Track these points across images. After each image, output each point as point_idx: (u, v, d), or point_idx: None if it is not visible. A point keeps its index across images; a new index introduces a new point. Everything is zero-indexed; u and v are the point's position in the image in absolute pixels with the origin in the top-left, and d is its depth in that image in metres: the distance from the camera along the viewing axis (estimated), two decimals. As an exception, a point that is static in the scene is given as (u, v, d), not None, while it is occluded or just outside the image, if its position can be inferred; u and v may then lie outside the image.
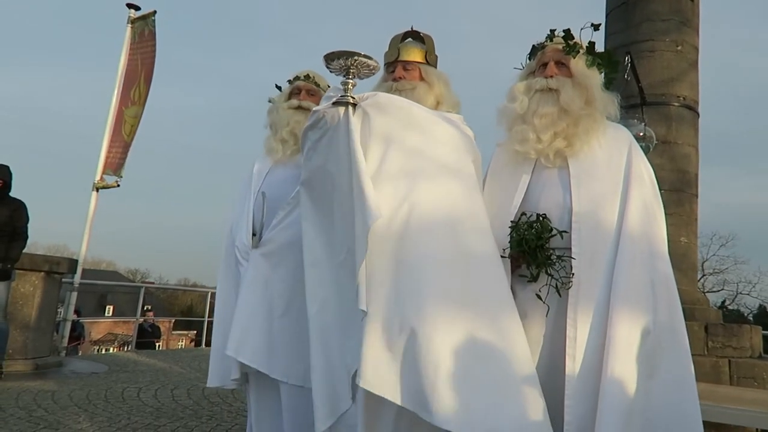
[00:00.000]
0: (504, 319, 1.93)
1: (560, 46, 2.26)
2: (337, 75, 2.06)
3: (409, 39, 2.51)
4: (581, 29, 2.28)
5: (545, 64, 2.25)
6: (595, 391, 1.92)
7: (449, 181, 2.06)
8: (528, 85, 2.24)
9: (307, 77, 2.94)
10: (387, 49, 2.50)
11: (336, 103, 2.03)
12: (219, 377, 2.84)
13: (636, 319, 1.95)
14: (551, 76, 2.21)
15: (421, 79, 2.43)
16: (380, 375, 1.83)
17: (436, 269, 1.91)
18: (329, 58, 1.98)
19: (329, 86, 2.90)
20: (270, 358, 2.61)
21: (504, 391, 1.85)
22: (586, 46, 2.28)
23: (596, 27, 2.28)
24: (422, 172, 2.03)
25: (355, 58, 1.95)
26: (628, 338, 1.92)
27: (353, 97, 2.02)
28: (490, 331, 1.89)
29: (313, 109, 2.17)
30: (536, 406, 1.84)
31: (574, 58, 2.22)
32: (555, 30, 2.29)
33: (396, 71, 2.44)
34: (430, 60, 2.49)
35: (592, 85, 2.19)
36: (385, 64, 2.48)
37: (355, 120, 2.02)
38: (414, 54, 2.46)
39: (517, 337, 1.93)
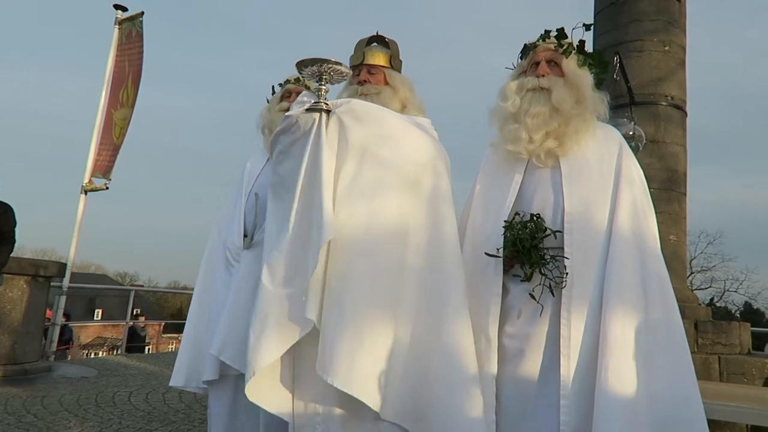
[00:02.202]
0: (446, 323, 2.01)
1: (552, 46, 2.27)
2: (309, 81, 2.08)
3: (375, 43, 2.55)
4: (572, 29, 2.30)
5: (537, 64, 2.27)
6: (590, 391, 1.93)
7: (414, 196, 2.11)
8: (520, 85, 2.25)
9: (297, 80, 2.99)
10: (352, 53, 2.53)
11: (310, 109, 2.04)
12: (184, 377, 2.82)
13: (629, 318, 1.96)
14: (543, 76, 2.22)
15: (386, 83, 2.48)
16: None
17: (375, 277, 2.00)
18: (302, 65, 2.02)
19: None
20: None
21: (436, 386, 1.97)
22: (577, 45, 2.29)
23: (588, 27, 2.30)
24: (391, 186, 2.08)
25: (328, 65, 1.99)
26: (622, 336, 1.93)
27: (327, 104, 2.04)
28: (427, 333, 2.01)
29: (286, 114, 2.18)
30: (471, 404, 1.94)
31: (567, 57, 2.24)
32: (550, 31, 2.30)
33: (361, 74, 2.48)
34: (395, 65, 2.54)
35: (583, 84, 2.21)
36: (350, 67, 2.50)
37: (330, 127, 2.04)
38: (379, 58, 2.50)
39: (459, 338, 2.00)
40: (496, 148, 2.33)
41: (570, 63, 2.24)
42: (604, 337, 1.94)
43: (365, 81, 2.46)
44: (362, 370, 1.92)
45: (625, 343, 1.93)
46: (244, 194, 2.84)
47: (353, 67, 2.50)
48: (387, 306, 2.00)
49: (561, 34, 2.27)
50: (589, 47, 2.37)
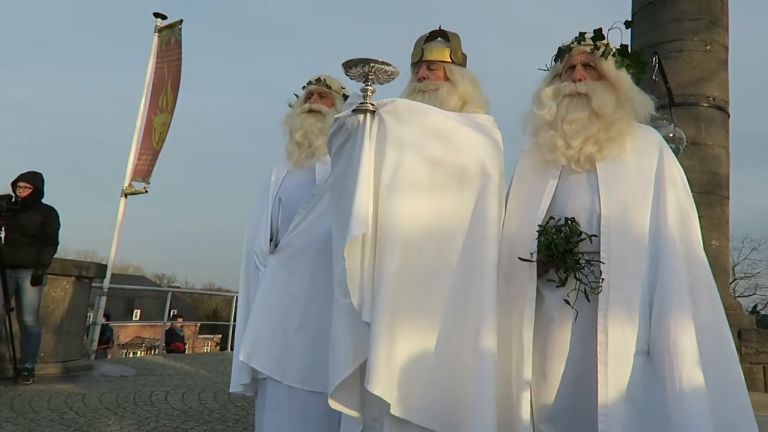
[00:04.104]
0: (482, 329, 1.99)
1: (588, 49, 2.22)
2: (357, 82, 2.07)
3: (434, 38, 2.48)
4: (609, 29, 2.24)
5: (572, 67, 2.21)
6: (630, 398, 1.88)
7: (457, 195, 2.09)
8: (556, 90, 2.20)
9: (318, 80, 3.00)
10: (412, 50, 2.48)
11: (355, 111, 2.05)
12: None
13: (687, 326, 1.90)
14: (579, 80, 2.17)
15: (446, 78, 2.40)
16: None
17: (410, 279, 2.00)
18: (347, 66, 2.01)
19: (342, 87, 2.98)
20: (284, 365, 2.60)
21: (470, 391, 1.95)
22: (617, 49, 2.23)
23: (629, 24, 2.23)
24: (432, 184, 2.07)
25: (372, 64, 1.97)
26: (691, 346, 1.88)
27: (372, 104, 2.03)
28: (463, 338, 2.00)
29: (335, 116, 2.20)
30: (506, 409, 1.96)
31: (606, 59, 2.18)
32: (585, 33, 2.25)
33: (420, 71, 2.42)
34: (456, 59, 2.44)
35: (623, 86, 2.15)
36: (411, 65, 2.47)
37: (374, 127, 2.04)
38: (437, 53, 2.42)
39: (493, 344, 1.98)
40: (529, 154, 2.29)
41: (608, 65, 2.17)
42: (673, 347, 1.87)
43: (424, 78, 2.39)
44: (391, 370, 1.92)
45: (691, 352, 1.87)
46: (270, 200, 2.87)
47: (413, 65, 2.46)
48: (423, 308, 2.01)
49: (598, 35, 2.21)
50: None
